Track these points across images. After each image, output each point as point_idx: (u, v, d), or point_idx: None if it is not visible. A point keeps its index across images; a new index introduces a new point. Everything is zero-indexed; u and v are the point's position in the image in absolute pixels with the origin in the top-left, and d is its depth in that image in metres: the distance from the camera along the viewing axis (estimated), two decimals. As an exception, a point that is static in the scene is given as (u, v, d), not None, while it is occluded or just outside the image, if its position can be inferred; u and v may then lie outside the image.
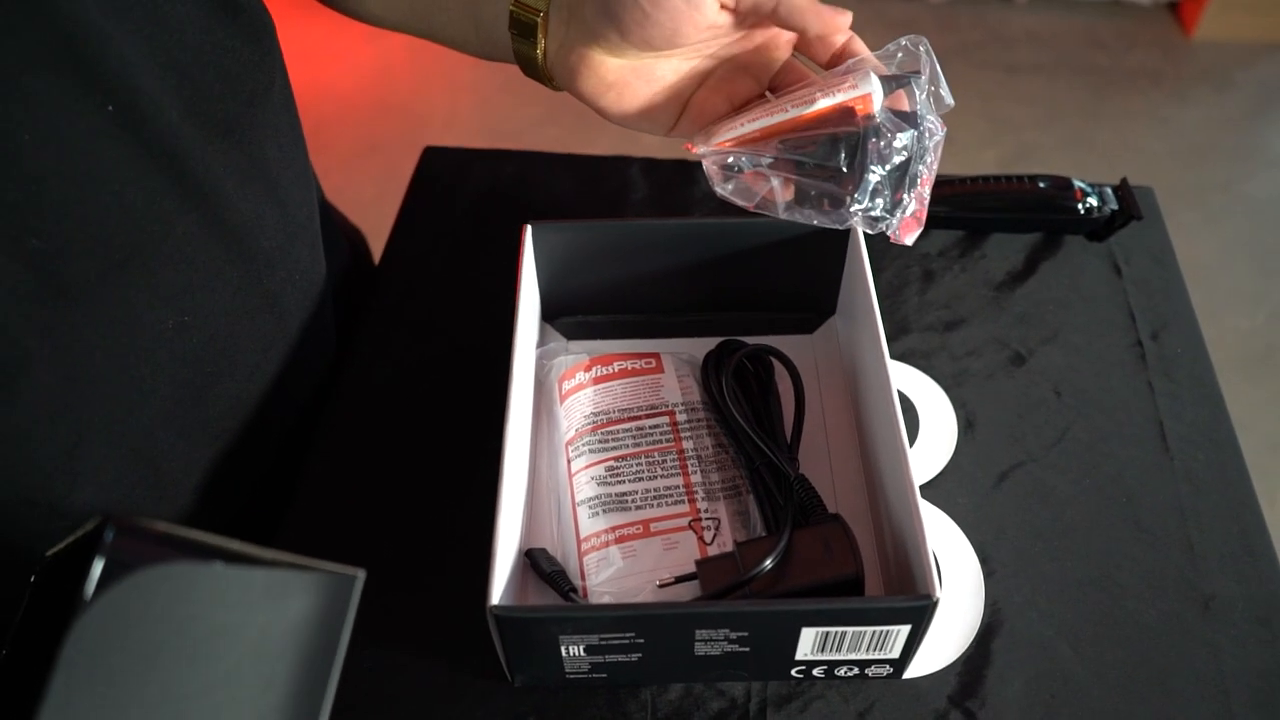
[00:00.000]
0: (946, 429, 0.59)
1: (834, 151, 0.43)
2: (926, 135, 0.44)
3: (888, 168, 0.44)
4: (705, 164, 0.45)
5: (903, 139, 0.44)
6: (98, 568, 0.24)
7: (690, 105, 0.48)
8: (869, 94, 0.44)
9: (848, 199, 0.44)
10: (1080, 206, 0.67)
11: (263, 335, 0.53)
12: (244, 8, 0.47)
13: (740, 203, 0.46)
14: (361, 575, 0.30)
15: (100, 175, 0.40)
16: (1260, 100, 2.10)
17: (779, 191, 0.45)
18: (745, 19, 0.44)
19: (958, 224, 0.69)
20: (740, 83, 0.47)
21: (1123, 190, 0.68)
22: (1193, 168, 1.95)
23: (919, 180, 0.45)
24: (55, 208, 0.39)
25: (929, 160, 0.45)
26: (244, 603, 0.27)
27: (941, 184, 0.69)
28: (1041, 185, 0.67)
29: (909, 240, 0.46)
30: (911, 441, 0.58)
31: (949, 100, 0.46)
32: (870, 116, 0.43)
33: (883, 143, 0.43)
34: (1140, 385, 0.61)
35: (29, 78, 0.37)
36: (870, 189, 0.44)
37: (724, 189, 0.45)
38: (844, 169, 0.43)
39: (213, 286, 0.48)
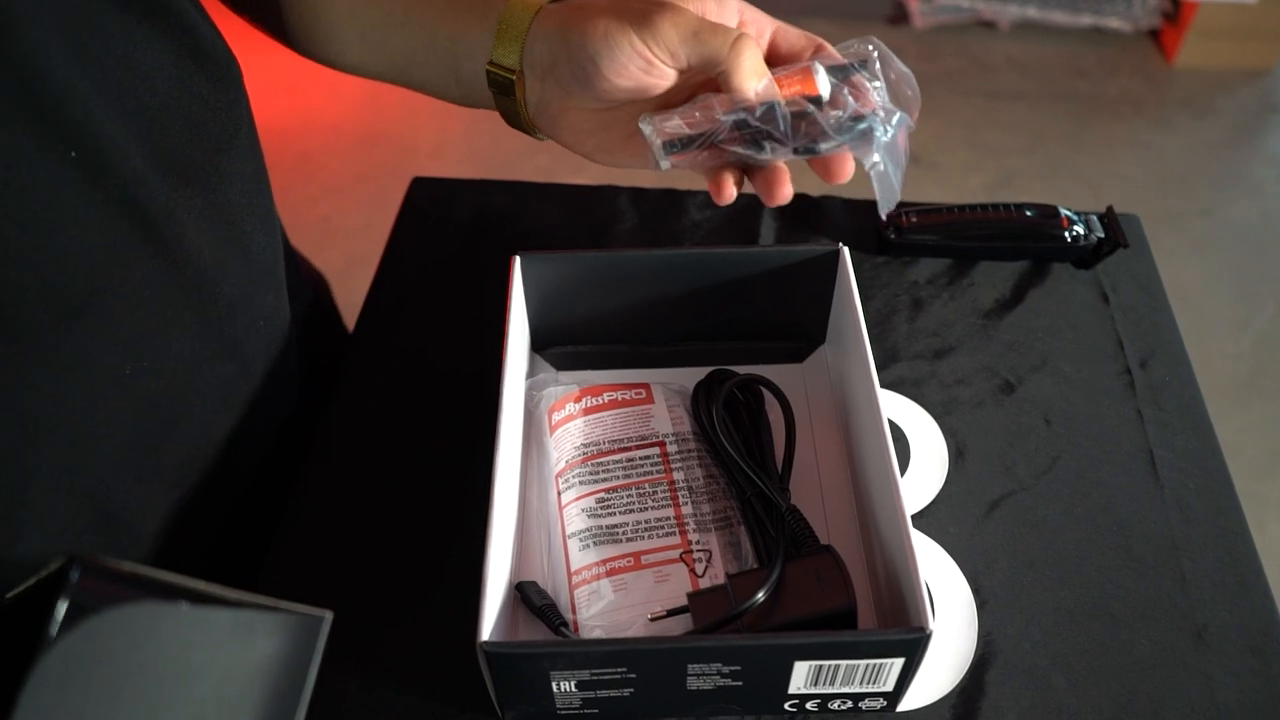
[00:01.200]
0: (937, 458, 0.59)
1: (774, 117, 0.46)
2: (883, 114, 0.47)
3: (843, 137, 0.47)
4: (650, 136, 0.47)
5: (853, 113, 0.47)
6: (62, 607, 0.23)
7: None
8: (809, 71, 0.46)
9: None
10: (1067, 235, 0.67)
11: (223, 381, 0.52)
12: (211, 54, 0.47)
13: (685, 164, 0.48)
14: (328, 617, 0.29)
15: (59, 222, 0.40)
16: (1241, 127, 2.13)
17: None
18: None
19: (946, 252, 0.69)
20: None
21: (1109, 218, 0.69)
22: (1175, 194, 1.97)
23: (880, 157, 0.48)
24: (11, 254, 0.39)
25: (890, 137, 0.47)
26: (209, 643, 0.27)
27: (929, 212, 0.69)
28: (1028, 214, 0.68)
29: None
30: (902, 471, 0.58)
31: (914, 92, 0.48)
32: (816, 98, 0.46)
33: (833, 117, 0.46)
34: (1129, 413, 0.61)
35: None
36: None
37: (664, 161, 0.48)
38: (786, 135, 0.46)
39: (172, 333, 0.47)
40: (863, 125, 0.46)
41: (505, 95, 0.49)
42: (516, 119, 0.51)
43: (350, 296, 0.81)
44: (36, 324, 0.41)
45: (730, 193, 0.49)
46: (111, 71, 0.41)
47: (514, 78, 0.48)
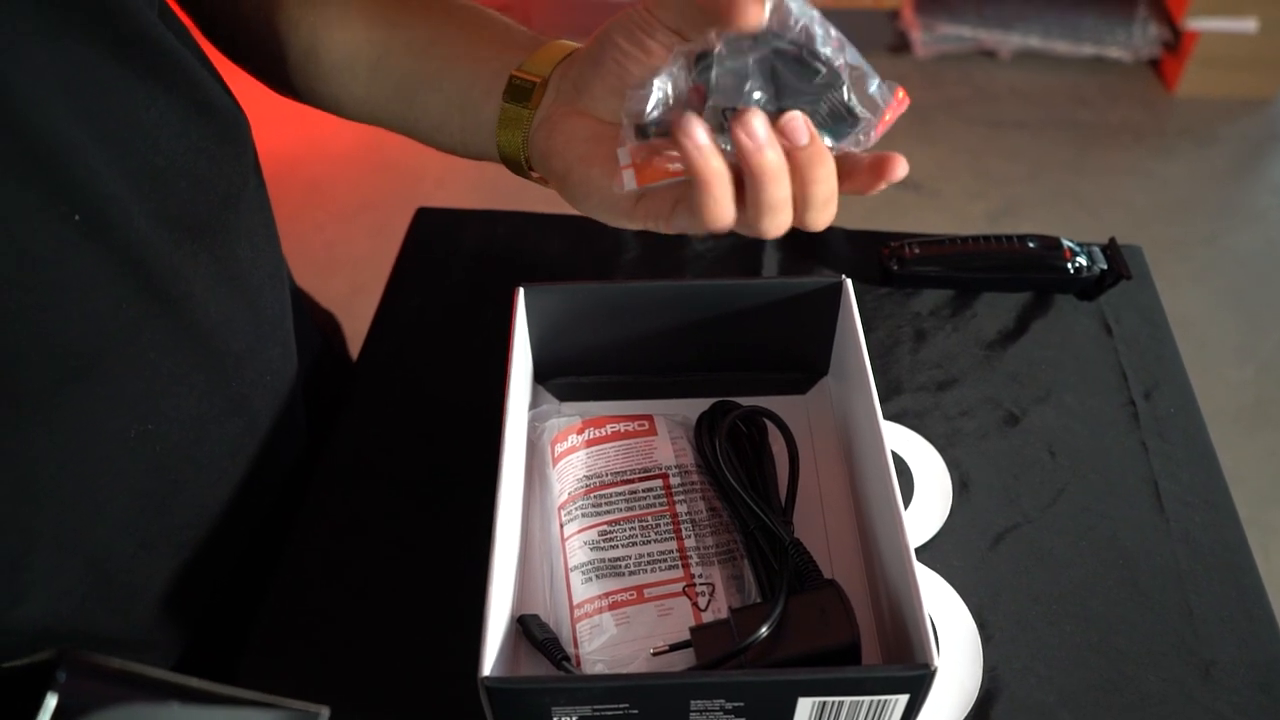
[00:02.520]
0: (941, 490, 0.58)
1: (812, 33, 0.39)
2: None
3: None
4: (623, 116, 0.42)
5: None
6: (50, 705, 0.23)
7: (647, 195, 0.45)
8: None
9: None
10: (1070, 266, 0.67)
11: (231, 439, 0.52)
12: (217, 109, 0.47)
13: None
14: (325, 713, 0.29)
15: (63, 283, 0.40)
16: (1242, 155, 2.14)
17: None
18: None
19: (948, 283, 0.69)
20: None
21: (1111, 250, 0.69)
22: (1177, 222, 1.97)
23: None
24: (13, 316, 0.38)
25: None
26: None
27: (931, 244, 0.69)
28: (1031, 245, 0.68)
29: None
30: (906, 503, 0.58)
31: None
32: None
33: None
34: (1134, 445, 0.61)
35: None
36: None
37: (626, 157, 0.42)
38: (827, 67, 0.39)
39: (179, 392, 0.47)
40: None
41: (519, 102, 0.47)
42: (515, 145, 0.49)
43: (354, 324, 0.81)
44: (39, 386, 0.41)
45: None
46: (115, 130, 0.40)
47: (536, 82, 0.47)
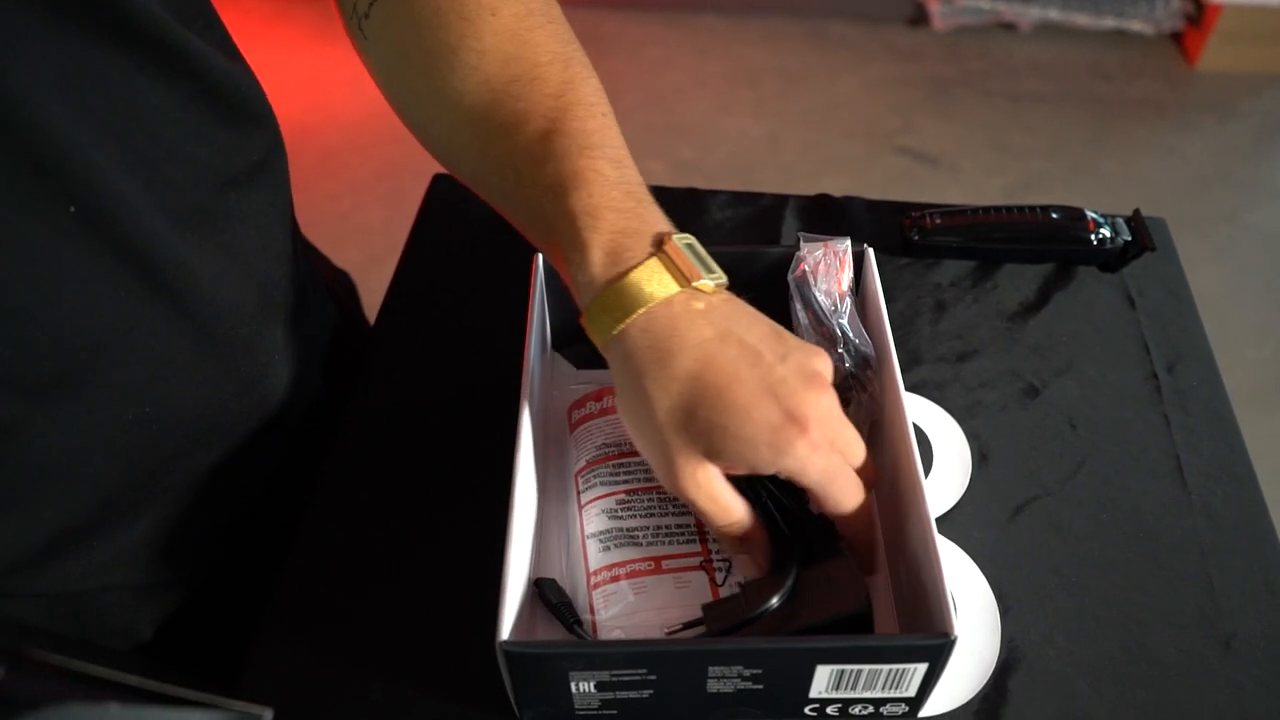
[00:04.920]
0: (960, 462, 0.58)
1: None
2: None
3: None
4: None
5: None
6: None
7: None
8: None
9: None
10: (1093, 238, 0.67)
11: (233, 415, 0.52)
12: (225, 92, 0.46)
13: None
14: (268, 715, 0.28)
15: (62, 275, 0.40)
16: (1265, 131, 2.11)
17: None
18: None
19: (969, 254, 0.69)
20: None
21: (1136, 222, 0.68)
22: (1198, 198, 1.95)
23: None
24: (16, 311, 0.39)
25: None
26: None
27: (953, 214, 0.68)
28: (1054, 216, 0.67)
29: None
30: (925, 474, 0.57)
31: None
32: None
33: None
34: (1156, 418, 0.60)
35: None
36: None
37: None
38: None
39: (181, 377, 0.47)
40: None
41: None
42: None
43: (369, 295, 0.81)
44: (43, 377, 0.41)
45: None
46: (114, 122, 0.40)
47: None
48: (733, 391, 0.42)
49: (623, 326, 0.44)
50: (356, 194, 1.96)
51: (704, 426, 0.43)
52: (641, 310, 0.43)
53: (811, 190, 0.74)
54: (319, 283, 0.64)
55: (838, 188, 0.75)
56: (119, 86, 0.40)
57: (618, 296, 0.44)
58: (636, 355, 0.44)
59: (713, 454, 0.43)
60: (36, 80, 0.36)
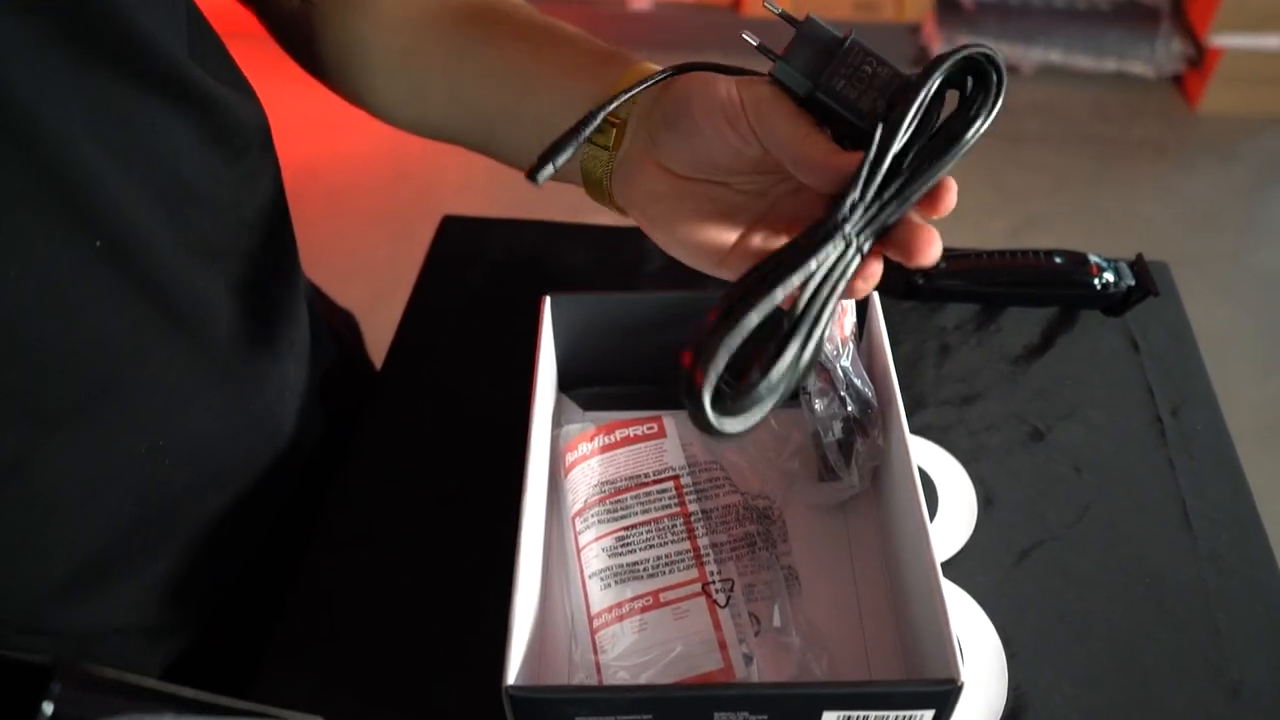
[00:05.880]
0: (966, 506, 0.58)
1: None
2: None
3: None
4: None
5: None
6: (46, 714, 0.23)
7: (740, 244, 0.45)
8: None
9: None
10: (1096, 282, 0.67)
11: (245, 450, 0.52)
12: (239, 133, 0.47)
13: None
14: None
15: (83, 308, 0.41)
16: (1265, 172, 2.12)
17: None
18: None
19: (973, 298, 0.69)
20: (790, 231, 0.45)
21: (1139, 266, 0.68)
22: (1200, 238, 1.96)
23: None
24: (35, 340, 0.39)
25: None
26: None
27: (956, 258, 0.69)
28: (1057, 260, 0.68)
29: None
30: (931, 518, 0.57)
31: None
32: None
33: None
34: (1160, 462, 0.60)
35: (15, 215, 0.37)
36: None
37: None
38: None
39: (194, 410, 0.48)
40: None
41: (599, 145, 0.47)
42: (598, 179, 0.48)
43: (374, 333, 0.82)
44: (60, 406, 0.41)
45: None
46: (137, 159, 0.41)
47: (617, 123, 0.46)
48: None
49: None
50: (363, 231, 1.97)
51: None
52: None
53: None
54: (322, 323, 0.64)
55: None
56: (144, 125, 0.41)
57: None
58: None
59: None
60: (66, 117, 0.37)
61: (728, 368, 0.37)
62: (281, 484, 0.57)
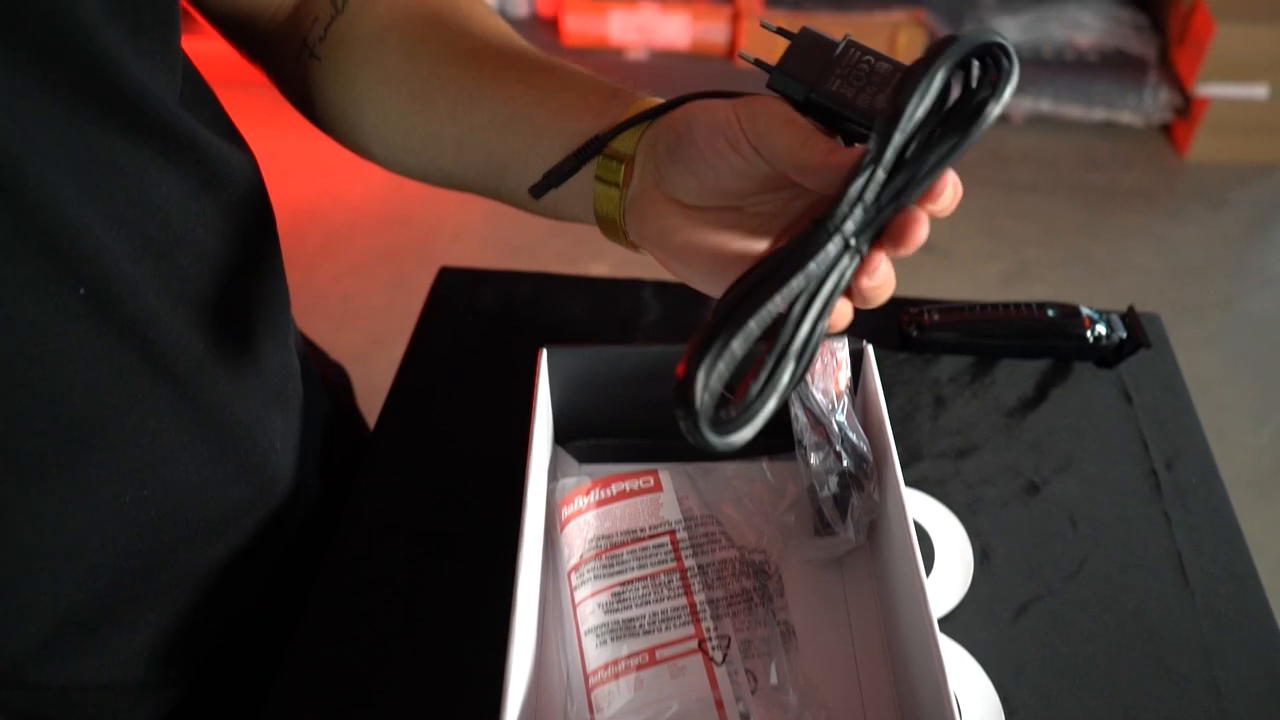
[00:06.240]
0: (962, 560, 0.58)
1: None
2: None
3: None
4: None
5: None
6: None
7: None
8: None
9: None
10: (1089, 334, 0.68)
11: (234, 504, 0.52)
12: (231, 183, 0.47)
13: None
14: None
15: (67, 356, 0.40)
16: (1255, 219, 2.14)
17: None
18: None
19: (967, 350, 0.70)
20: None
21: (1130, 318, 0.69)
22: (1192, 285, 1.98)
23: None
24: (15, 387, 0.39)
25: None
26: None
27: (950, 310, 0.69)
28: (1050, 313, 0.68)
29: None
30: (927, 572, 0.57)
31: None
32: None
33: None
34: (1156, 516, 0.60)
35: None
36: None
37: None
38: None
39: (179, 461, 0.47)
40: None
41: (608, 183, 0.46)
42: (610, 218, 0.47)
43: (371, 378, 0.82)
44: (40, 455, 0.41)
45: None
46: (124, 208, 0.41)
47: (624, 160, 0.45)
48: None
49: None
50: (360, 276, 1.98)
51: None
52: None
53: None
54: (314, 375, 0.64)
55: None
56: (132, 174, 0.41)
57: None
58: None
59: None
60: (52, 166, 0.37)
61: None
62: (275, 537, 0.56)
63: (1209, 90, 2.15)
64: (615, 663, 0.50)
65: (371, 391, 0.76)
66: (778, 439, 0.58)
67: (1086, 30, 2.28)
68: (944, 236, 2.04)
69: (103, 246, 0.40)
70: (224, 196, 0.47)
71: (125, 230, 0.41)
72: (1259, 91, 2.15)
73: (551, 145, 0.48)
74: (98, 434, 0.43)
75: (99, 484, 0.44)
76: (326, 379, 0.69)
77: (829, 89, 0.41)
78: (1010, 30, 2.26)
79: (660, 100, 0.47)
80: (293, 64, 0.54)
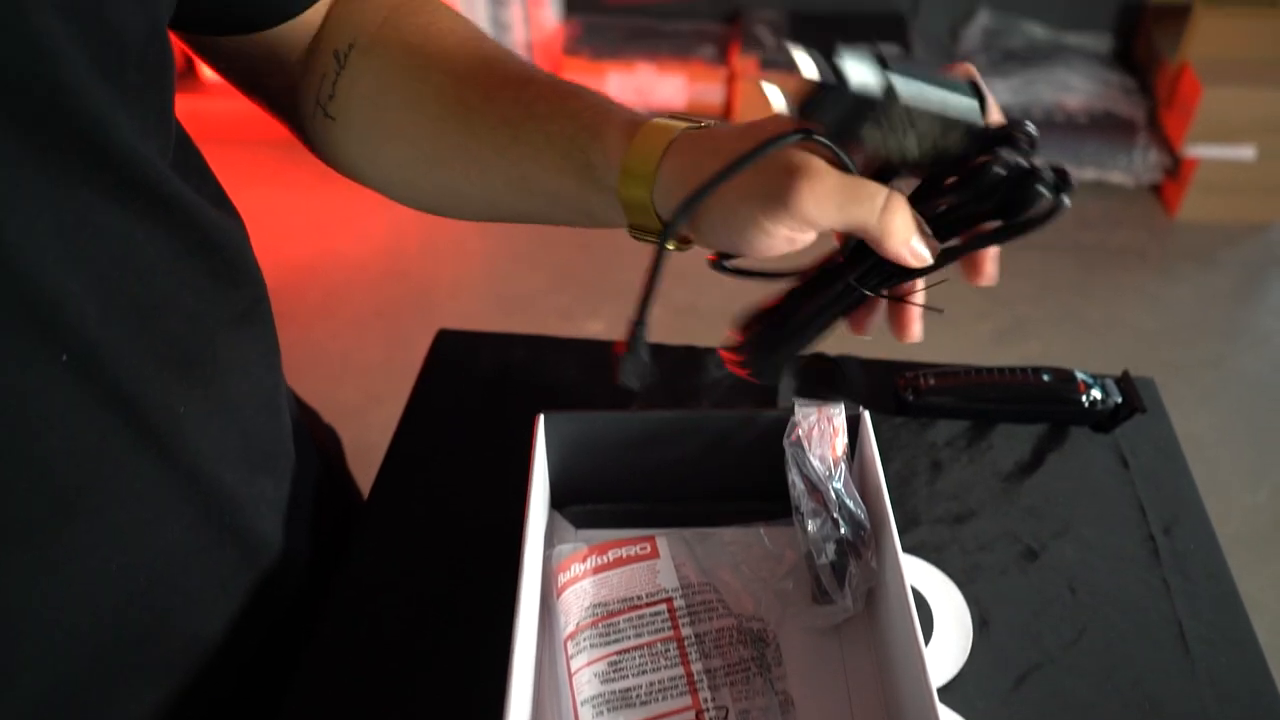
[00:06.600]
0: (961, 628, 0.58)
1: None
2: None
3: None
4: None
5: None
6: None
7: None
8: None
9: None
10: (1084, 399, 0.68)
11: (223, 569, 0.51)
12: (218, 244, 0.47)
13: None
14: None
15: (50, 421, 0.40)
16: (1245, 279, 2.16)
17: None
18: None
19: (963, 414, 0.70)
20: None
21: (1125, 383, 0.69)
22: (1184, 343, 1.99)
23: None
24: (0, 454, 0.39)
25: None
26: None
27: (946, 375, 0.70)
28: (1045, 378, 0.69)
29: None
30: (926, 640, 0.57)
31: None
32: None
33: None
34: (1155, 582, 0.60)
35: None
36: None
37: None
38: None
39: (165, 525, 0.47)
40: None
41: (651, 233, 0.48)
42: (639, 221, 0.49)
43: (368, 434, 0.82)
44: (23, 523, 0.41)
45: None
46: (108, 271, 0.41)
47: (658, 224, 0.47)
48: None
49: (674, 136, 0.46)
50: (357, 333, 1.99)
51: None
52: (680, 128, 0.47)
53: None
54: (306, 437, 0.64)
55: (833, 345, 0.76)
56: (116, 236, 0.41)
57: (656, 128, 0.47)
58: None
59: None
60: (35, 230, 0.37)
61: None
62: (266, 603, 0.56)
63: (1197, 151, 2.19)
64: (613, 732, 0.50)
65: (367, 448, 0.76)
66: (775, 505, 0.58)
67: (1075, 93, 2.32)
68: (938, 293, 2.05)
69: (85, 311, 0.39)
70: (213, 260, 0.47)
71: (108, 294, 0.41)
72: (1246, 153, 2.18)
73: (569, 202, 0.50)
74: (82, 500, 0.42)
75: (84, 551, 0.43)
76: (319, 441, 0.69)
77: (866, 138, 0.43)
78: (1001, 93, 2.30)
79: (624, 119, 0.48)
80: (310, 120, 0.55)
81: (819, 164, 0.42)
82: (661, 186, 0.46)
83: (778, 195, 0.42)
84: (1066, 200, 0.41)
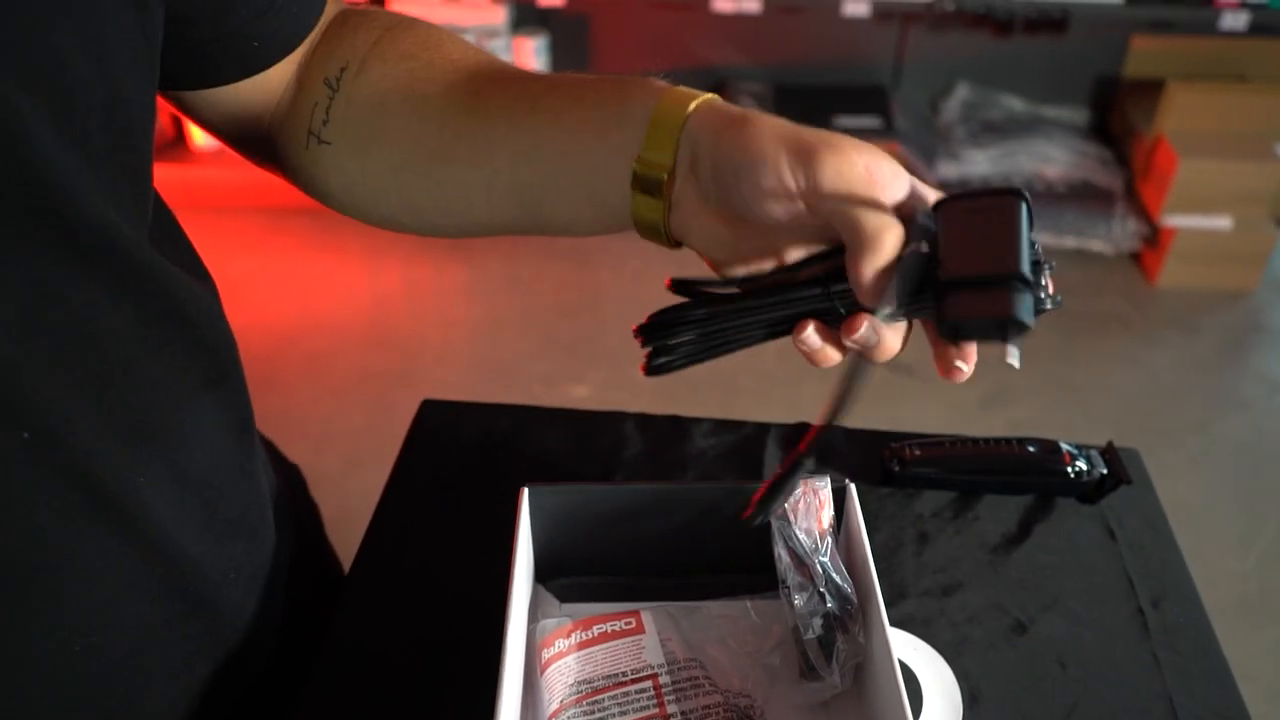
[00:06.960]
0: (950, 703, 0.57)
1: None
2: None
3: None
4: None
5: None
6: None
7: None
8: None
9: None
10: (1069, 470, 0.68)
11: (188, 643, 0.50)
12: (185, 313, 0.46)
13: None
14: None
15: (7, 500, 0.39)
16: (1226, 344, 2.19)
17: None
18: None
19: (949, 485, 0.70)
20: None
21: (1110, 454, 0.69)
22: (1168, 409, 2.00)
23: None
24: None
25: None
26: None
27: (932, 445, 0.70)
28: (1030, 449, 0.69)
29: None
30: (915, 716, 0.56)
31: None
32: None
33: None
34: (1145, 657, 0.59)
35: None
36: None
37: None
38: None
39: (128, 599, 0.45)
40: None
41: (651, 194, 0.45)
42: (653, 225, 0.47)
43: (349, 500, 0.80)
44: None
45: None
46: (68, 341, 0.40)
47: (665, 176, 0.45)
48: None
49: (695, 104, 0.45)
50: (340, 397, 1.98)
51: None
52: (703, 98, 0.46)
53: (792, 399, 0.76)
54: (284, 505, 0.62)
55: (817, 395, 0.76)
56: (78, 305, 0.40)
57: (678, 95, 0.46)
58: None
59: None
60: None
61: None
62: (238, 675, 0.54)
63: (1175, 221, 2.22)
64: (595, 814, 0.48)
65: (347, 515, 0.75)
66: (761, 578, 0.57)
67: (1054, 163, 2.37)
68: (924, 360, 2.06)
69: (43, 386, 0.39)
70: (182, 326, 0.46)
71: (68, 363, 0.40)
72: (1223, 223, 2.22)
73: (578, 165, 0.48)
74: (37, 579, 0.41)
75: (44, 632, 0.42)
76: (296, 509, 0.67)
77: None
78: (980, 163, 2.34)
79: (660, 83, 0.47)
80: (302, 155, 0.53)
81: (869, 146, 0.42)
82: (698, 115, 0.45)
83: (808, 153, 0.41)
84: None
